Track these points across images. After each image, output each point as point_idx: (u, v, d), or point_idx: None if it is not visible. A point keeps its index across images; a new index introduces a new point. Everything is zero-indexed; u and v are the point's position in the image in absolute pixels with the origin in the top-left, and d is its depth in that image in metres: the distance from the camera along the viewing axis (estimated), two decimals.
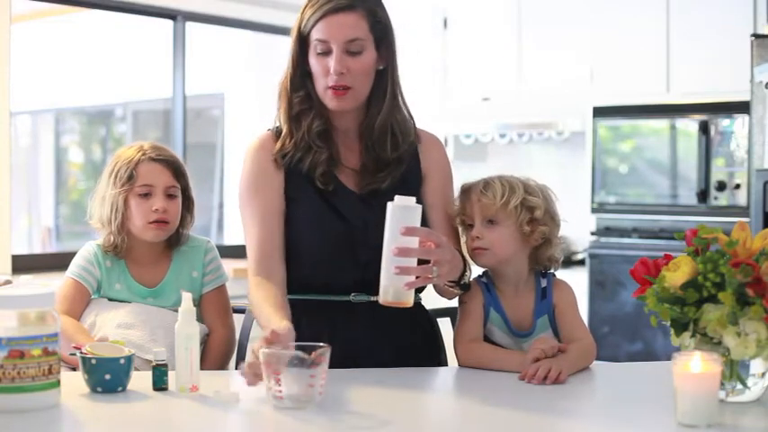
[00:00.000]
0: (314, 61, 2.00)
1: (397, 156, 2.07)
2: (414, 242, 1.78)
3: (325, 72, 1.98)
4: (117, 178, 2.23)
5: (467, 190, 2.06)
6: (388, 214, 1.80)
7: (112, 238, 2.25)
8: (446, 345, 2.25)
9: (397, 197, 1.80)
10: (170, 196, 2.26)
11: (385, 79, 2.06)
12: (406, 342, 2.07)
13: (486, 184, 2.03)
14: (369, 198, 2.05)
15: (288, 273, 2.05)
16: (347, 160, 2.09)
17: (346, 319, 2.02)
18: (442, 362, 2.21)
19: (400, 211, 1.80)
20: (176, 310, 1.79)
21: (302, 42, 2.02)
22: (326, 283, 2.04)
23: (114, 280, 2.26)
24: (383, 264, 1.80)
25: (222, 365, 2.26)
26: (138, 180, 2.23)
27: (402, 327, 2.05)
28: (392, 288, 1.79)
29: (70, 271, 2.27)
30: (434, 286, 2.05)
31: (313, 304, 2.05)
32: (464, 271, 1.95)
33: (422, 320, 2.15)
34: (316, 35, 1.98)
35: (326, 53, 1.98)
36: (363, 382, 1.84)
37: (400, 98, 2.10)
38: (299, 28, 2.02)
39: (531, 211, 2.00)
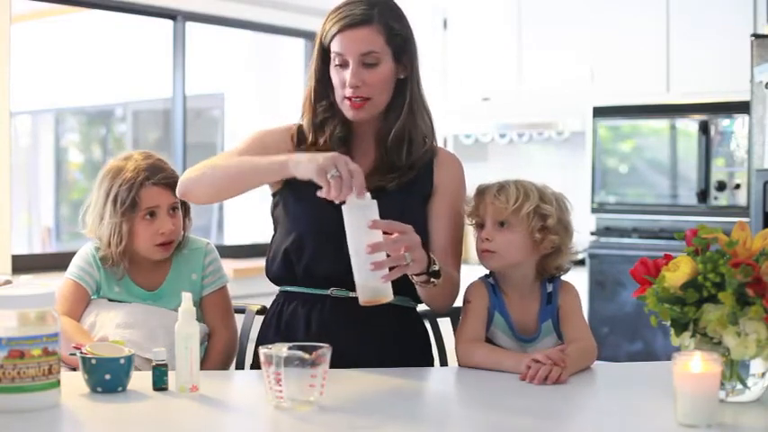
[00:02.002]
0: (333, 73, 2.06)
1: (410, 162, 2.10)
2: (380, 236, 1.80)
3: (342, 84, 2.04)
4: (118, 203, 2.20)
5: (482, 191, 2.05)
6: (345, 216, 1.81)
7: (112, 260, 2.23)
8: (446, 345, 2.25)
9: (349, 198, 1.81)
10: (173, 210, 2.25)
11: (405, 89, 2.10)
12: (389, 340, 2.08)
13: (501, 187, 2.02)
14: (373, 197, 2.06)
15: (282, 266, 2.09)
16: (360, 164, 2.10)
17: (327, 314, 2.05)
18: (438, 362, 2.21)
19: (359, 210, 1.80)
20: (177, 311, 1.79)
21: (323, 54, 2.08)
22: (312, 276, 2.06)
23: (113, 283, 2.25)
24: (354, 265, 1.81)
25: (224, 367, 2.26)
26: (143, 204, 2.21)
27: (387, 324, 2.06)
28: (369, 286, 1.80)
29: (69, 272, 2.26)
30: (423, 298, 2.05)
31: (296, 296, 2.09)
32: (429, 260, 1.92)
33: (409, 321, 2.14)
34: (334, 48, 2.04)
35: (343, 65, 2.04)
36: (363, 382, 1.84)
37: (422, 106, 2.13)
38: (321, 40, 2.07)
39: (544, 218, 1.99)
